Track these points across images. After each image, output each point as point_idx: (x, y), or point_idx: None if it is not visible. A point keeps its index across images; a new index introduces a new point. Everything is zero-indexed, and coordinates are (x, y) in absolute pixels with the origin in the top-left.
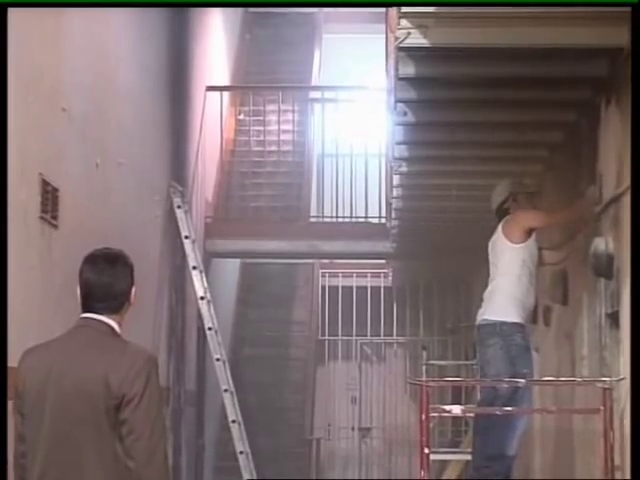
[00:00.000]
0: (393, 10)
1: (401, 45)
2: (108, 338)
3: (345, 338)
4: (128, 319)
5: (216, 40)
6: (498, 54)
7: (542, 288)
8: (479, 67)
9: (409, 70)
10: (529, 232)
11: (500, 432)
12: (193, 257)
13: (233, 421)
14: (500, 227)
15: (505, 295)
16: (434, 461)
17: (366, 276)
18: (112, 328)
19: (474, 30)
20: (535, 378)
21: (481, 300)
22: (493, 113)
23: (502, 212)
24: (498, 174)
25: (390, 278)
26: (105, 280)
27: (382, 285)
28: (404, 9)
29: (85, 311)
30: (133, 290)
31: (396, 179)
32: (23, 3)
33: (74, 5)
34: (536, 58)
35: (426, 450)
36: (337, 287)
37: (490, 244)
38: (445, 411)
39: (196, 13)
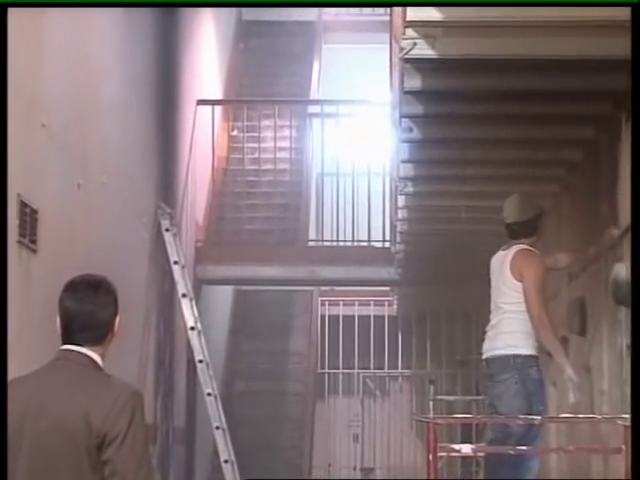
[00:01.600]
0: (398, 19)
1: (407, 56)
2: (89, 372)
3: (346, 371)
4: (112, 351)
5: (207, 50)
6: (511, 66)
7: (558, 317)
8: (490, 80)
9: (415, 83)
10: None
11: (513, 473)
12: (182, 284)
13: (225, 461)
14: (510, 258)
15: (512, 330)
16: None
17: (369, 304)
18: (94, 361)
19: (485, 40)
20: (552, 414)
21: (484, 333)
22: (506, 129)
23: (524, 232)
24: (509, 194)
25: (395, 306)
26: (87, 309)
27: (386, 314)
28: (410, 17)
29: (65, 342)
30: (117, 320)
31: (401, 200)
32: (23, 3)
33: (74, 5)
34: (552, 70)
35: None
36: (338, 316)
37: (493, 262)
38: (454, 450)
39: (186, 21)
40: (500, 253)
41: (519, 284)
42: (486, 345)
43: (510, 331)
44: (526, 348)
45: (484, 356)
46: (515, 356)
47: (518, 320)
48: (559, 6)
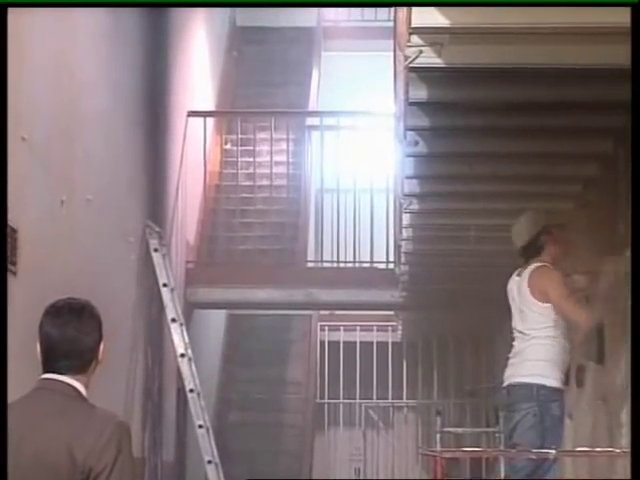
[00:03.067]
0: (402, 25)
1: (412, 65)
2: (72, 402)
3: (347, 401)
4: (96, 380)
5: (199, 58)
6: (523, 75)
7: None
8: (501, 90)
9: (421, 93)
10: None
11: None
12: (172, 308)
13: None
14: (526, 280)
15: (539, 358)
16: None
17: (372, 330)
18: (77, 391)
19: (495, 48)
20: (567, 448)
21: (506, 359)
22: (517, 143)
23: (532, 249)
24: (522, 213)
25: (399, 332)
26: (69, 334)
27: (390, 340)
28: (415, 23)
29: (46, 371)
30: (102, 346)
31: (406, 218)
32: (23, 3)
33: (74, 5)
34: (567, 80)
35: None
36: (338, 342)
37: (510, 286)
38: None
39: (176, 28)
40: (515, 278)
41: (544, 305)
42: (508, 372)
43: (537, 359)
44: (552, 379)
45: (505, 383)
46: (540, 386)
47: (545, 347)
48: (560, 6)
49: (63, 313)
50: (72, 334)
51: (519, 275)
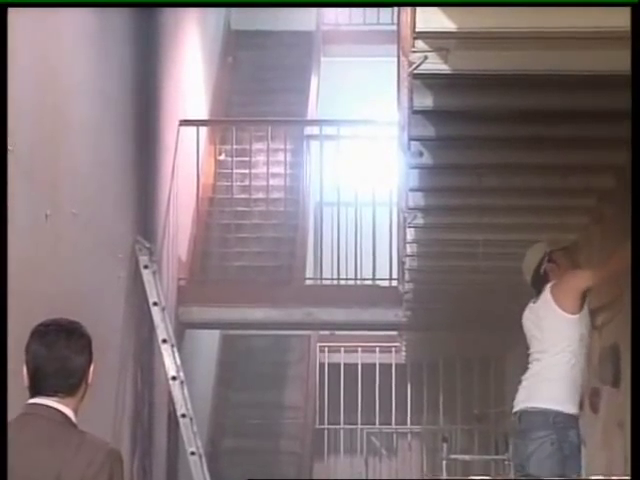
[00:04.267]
0: (406, 29)
1: (416, 71)
2: (61, 429)
3: (348, 427)
4: (83, 403)
5: (192, 64)
6: (534, 82)
7: (589, 367)
8: (511, 98)
9: (426, 101)
10: (585, 296)
11: None
12: (163, 328)
13: None
14: (549, 294)
15: (560, 379)
16: None
17: (374, 351)
18: (66, 416)
19: (505, 53)
20: (582, 476)
21: (519, 382)
22: (528, 154)
23: (539, 280)
24: (534, 227)
25: (403, 353)
26: (59, 353)
27: (393, 362)
28: (420, 28)
29: (33, 395)
30: (91, 368)
31: (410, 233)
32: (23, 3)
33: (74, 5)
34: (580, 87)
35: None
36: (339, 364)
37: (527, 315)
38: None
39: (167, 32)
40: (531, 305)
41: (569, 316)
42: (521, 395)
43: (555, 379)
44: (570, 405)
45: (516, 408)
46: (557, 413)
47: (566, 365)
48: (560, 6)
49: (51, 332)
50: (62, 353)
51: (535, 302)
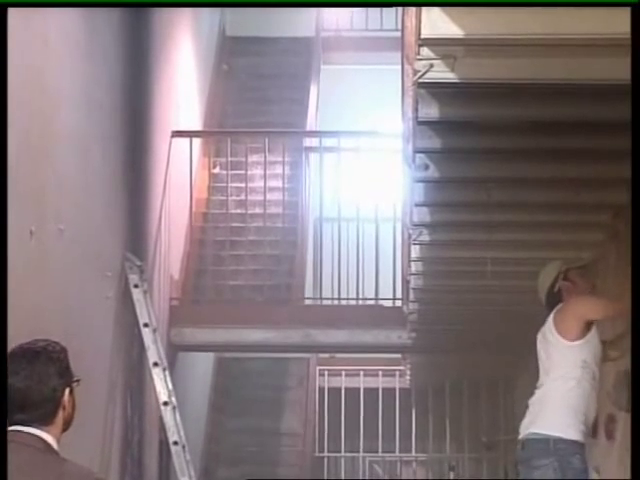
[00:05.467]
0: (410, 35)
1: (421, 80)
2: (42, 457)
3: (350, 455)
4: (70, 430)
5: (184, 72)
6: (545, 92)
7: (603, 392)
8: (521, 108)
9: (432, 112)
10: (589, 325)
11: None
12: (154, 350)
13: None
14: (551, 318)
15: (560, 405)
16: None
17: (377, 375)
18: (47, 443)
19: (515, 61)
20: None
21: (526, 407)
22: (539, 167)
23: (553, 299)
24: (546, 245)
25: (407, 377)
26: (20, 384)
27: (397, 386)
28: (425, 34)
29: (12, 422)
30: (66, 393)
31: (415, 250)
32: (23, 3)
33: (74, 5)
34: (594, 98)
35: None
36: (339, 389)
37: (540, 337)
38: None
39: (159, 39)
40: (542, 330)
41: (568, 343)
42: (526, 421)
43: (557, 405)
44: (572, 431)
45: (521, 435)
46: (558, 440)
47: (568, 391)
48: (560, 6)
49: (16, 359)
50: (23, 384)
51: (545, 326)
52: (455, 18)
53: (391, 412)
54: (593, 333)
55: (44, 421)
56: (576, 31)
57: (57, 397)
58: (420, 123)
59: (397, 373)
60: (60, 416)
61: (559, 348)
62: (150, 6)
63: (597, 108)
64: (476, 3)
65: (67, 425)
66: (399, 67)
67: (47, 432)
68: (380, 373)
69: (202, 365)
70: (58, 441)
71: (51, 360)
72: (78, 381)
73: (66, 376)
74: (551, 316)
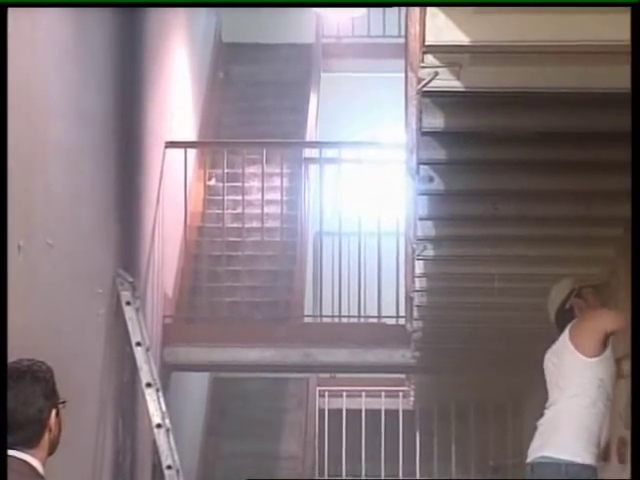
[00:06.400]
0: (414, 42)
1: (426, 89)
2: None
3: (351, 479)
4: (57, 454)
5: (178, 80)
6: (555, 101)
7: (616, 414)
8: (529, 119)
9: (436, 122)
10: (607, 339)
11: None
12: (147, 370)
13: None
14: (567, 334)
15: (574, 426)
16: None
17: (379, 396)
18: (32, 467)
19: (524, 69)
20: None
21: (534, 429)
22: (549, 179)
23: (564, 317)
24: (555, 260)
25: (411, 398)
26: (5, 407)
27: (401, 408)
28: (430, 41)
29: None
30: (53, 414)
31: (419, 266)
32: (23, 3)
33: (75, 5)
34: (606, 107)
35: None
36: (340, 410)
37: (548, 357)
38: None
39: (152, 45)
40: (553, 348)
41: (587, 359)
42: (535, 443)
43: (568, 425)
44: (585, 454)
45: (530, 458)
46: (569, 464)
47: (582, 412)
48: (561, 6)
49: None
50: (8, 405)
51: (557, 345)
52: (461, 24)
53: (394, 435)
54: (609, 351)
55: (29, 444)
56: (589, 37)
57: (43, 419)
58: (424, 133)
59: (400, 394)
60: (46, 439)
61: (576, 365)
62: (144, 6)
63: (609, 117)
64: (476, 3)
65: (53, 448)
66: (402, 75)
67: (32, 455)
68: (383, 394)
69: (197, 386)
70: (44, 465)
71: (37, 380)
72: (64, 402)
73: (52, 397)
74: (566, 332)
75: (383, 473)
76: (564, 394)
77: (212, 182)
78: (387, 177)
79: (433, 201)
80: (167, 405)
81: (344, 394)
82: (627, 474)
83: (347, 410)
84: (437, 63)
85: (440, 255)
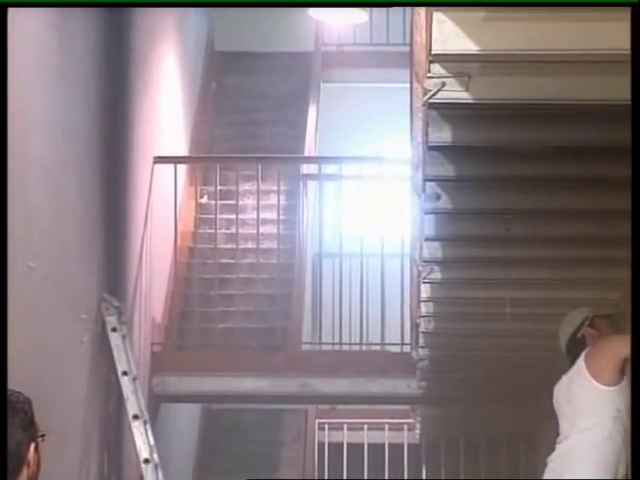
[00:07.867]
0: (420, 51)
1: (432, 100)
2: None
3: None
4: None
5: (169, 92)
6: (570, 114)
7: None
8: (542, 132)
9: (443, 135)
10: (625, 366)
11: None
12: (134, 401)
13: None
14: (582, 362)
15: (590, 460)
16: None
17: (383, 428)
18: None
19: (537, 80)
20: None
21: (545, 465)
22: (563, 197)
23: (576, 346)
24: (570, 283)
25: (417, 431)
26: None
27: (405, 442)
28: (436, 50)
29: None
30: (31, 448)
31: (425, 290)
32: (23, 3)
33: (74, 5)
34: (624, 119)
35: None
36: (341, 444)
37: (558, 388)
38: None
39: (139, 54)
40: (563, 379)
41: (603, 388)
42: None
43: (584, 460)
44: None
45: None
46: None
47: (598, 446)
48: (562, 6)
49: None
50: None
51: (568, 375)
52: (470, 32)
53: (399, 470)
54: (626, 380)
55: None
56: (605, 46)
57: (21, 453)
58: (431, 148)
59: (405, 427)
60: (24, 475)
61: (591, 394)
62: (133, 6)
63: (627, 131)
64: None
65: None
66: (407, 86)
67: None
68: (386, 427)
69: (187, 418)
70: None
71: (14, 411)
72: (43, 436)
73: (30, 430)
74: (581, 359)
75: None
76: (577, 427)
77: (204, 200)
78: (391, 195)
79: (440, 220)
80: (155, 439)
81: (345, 427)
82: None
83: (348, 444)
84: (444, 73)
85: (448, 278)
